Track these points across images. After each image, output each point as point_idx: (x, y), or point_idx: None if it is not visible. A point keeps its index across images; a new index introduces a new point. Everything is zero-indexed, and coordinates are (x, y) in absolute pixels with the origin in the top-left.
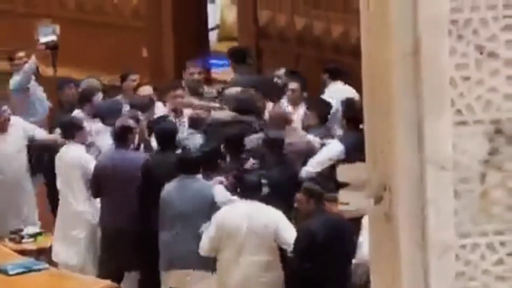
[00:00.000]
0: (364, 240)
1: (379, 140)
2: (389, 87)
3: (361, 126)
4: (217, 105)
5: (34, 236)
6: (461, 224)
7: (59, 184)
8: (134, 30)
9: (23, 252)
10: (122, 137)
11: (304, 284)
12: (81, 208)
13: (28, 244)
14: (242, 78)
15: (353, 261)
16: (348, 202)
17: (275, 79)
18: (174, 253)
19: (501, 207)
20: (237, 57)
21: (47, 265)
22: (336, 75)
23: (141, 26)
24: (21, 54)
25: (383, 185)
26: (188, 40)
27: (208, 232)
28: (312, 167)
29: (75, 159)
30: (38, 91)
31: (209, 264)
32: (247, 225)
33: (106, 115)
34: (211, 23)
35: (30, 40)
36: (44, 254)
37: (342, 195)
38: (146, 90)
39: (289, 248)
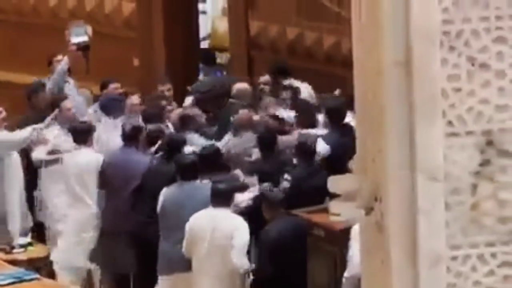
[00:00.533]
0: (353, 253)
1: (370, 149)
2: (380, 98)
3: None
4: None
5: (25, 246)
6: (452, 235)
7: (71, 188)
8: (125, 40)
9: (13, 263)
10: (131, 137)
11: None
12: (96, 210)
13: (19, 255)
14: (203, 80)
15: (345, 274)
16: (339, 213)
17: (261, 86)
18: (174, 257)
19: (492, 219)
20: (205, 59)
21: (38, 276)
22: (286, 72)
23: (132, 36)
24: (59, 57)
25: (374, 196)
26: (179, 50)
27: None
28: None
29: (91, 164)
30: (73, 92)
31: None
32: (211, 233)
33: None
34: (202, 33)
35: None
36: (34, 264)
37: (333, 205)
38: (134, 99)
39: (234, 258)
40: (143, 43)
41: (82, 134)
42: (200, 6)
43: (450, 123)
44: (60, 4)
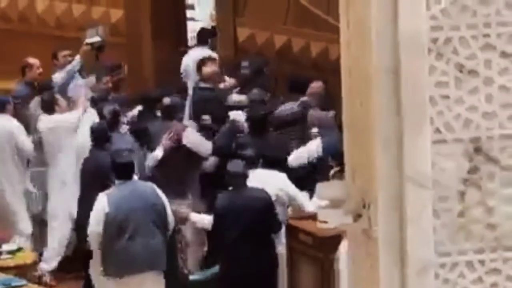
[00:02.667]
0: (343, 269)
1: (358, 156)
2: (368, 104)
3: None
4: None
5: (13, 252)
6: (440, 242)
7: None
8: (114, 46)
9: (1, 269)
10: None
11: (224, 259)
12: None
13: (7, 261)
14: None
15: None
16: (327, 220)
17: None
18: (128, 258)
19: (480, 226)
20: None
21: (25, 282)
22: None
23: (120, 42)
24: (65, 52)
25: (362, 202)
26: (168, 56)
27: None
28: (290, 160)
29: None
30: (81, 89)
31: (160, 264)
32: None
33: None
34: (191, 39)
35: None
36: (22, 270)
37: (321, 213)
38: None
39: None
40: (131, 49)
41: (102, 136)
42: (189, 13)
43: (438, 130)
44: (48, 11)
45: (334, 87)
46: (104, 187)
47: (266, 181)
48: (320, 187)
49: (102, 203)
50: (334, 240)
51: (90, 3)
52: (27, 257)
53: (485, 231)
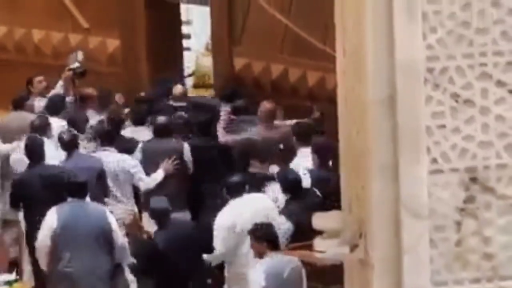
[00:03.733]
0: None
1: (354, 185)
2: (364, 134)
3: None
4: None
5: (10, 283)
6: (436, 271)
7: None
8: (110, 75)
9: None
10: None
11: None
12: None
13: None
14: None
15: None
16: (324, 250)
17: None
18: (72, 281)
19: (477, 256)
20: None
21: None
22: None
23: (117, 72)
24: (39, 78)
25: (359, 232)
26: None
27: None
28: None
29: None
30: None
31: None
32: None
33: None
34: (187, 69)
35: None
36: None
37: (318, 243)
38: None
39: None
40: (128, 78)
41: (109, 136)
42: (185, 43)
43: (434, 160)
44: (44, 41)
45: (331, 117)
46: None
47: (252, 206)
48: (316, 217)
49: (52, 216)
50: (331, 271)
51: (86, 33)
52: (24, 287)
53: (481, 261)
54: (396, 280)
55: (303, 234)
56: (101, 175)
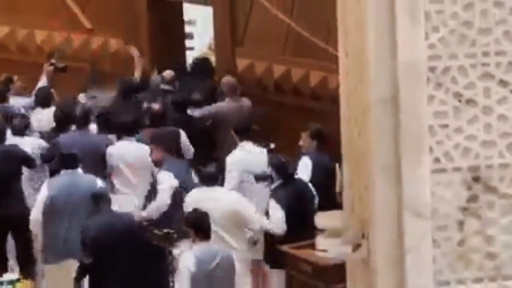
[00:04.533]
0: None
1: (356, 186)
2: (366, 134)
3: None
4: None
5: (13, 283)
6: (439, 271)
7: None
8: (113, 74)
9: None
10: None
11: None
12: None
13: None
14: None
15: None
16: (326, 249)
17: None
18: (67, 244)
19: (479, 255)
20: None
21: None
22: None
23: (120, 71)
24: (16, 76)
25: (361, 232)
26: None
27: None
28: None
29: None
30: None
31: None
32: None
33: None
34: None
35: None
36: None
37: (320, 241)
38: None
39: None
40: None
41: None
42: (187, 42)
43: (437, 159)
44: (47, 41)
45: (333, 117)
46: None
47: (220, 198)
48: (319, 216)
49: (43, 189)
50: (333, 270)
51: (89, 33)
52: (27, 287)
53: (484, 260)
54: (398, 279)
55: (294, 220)
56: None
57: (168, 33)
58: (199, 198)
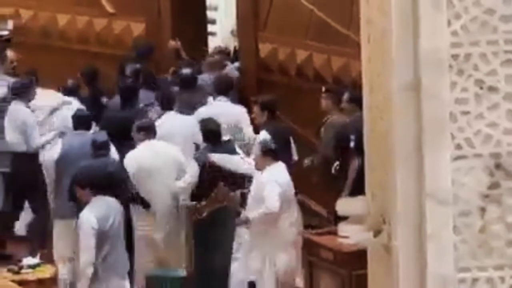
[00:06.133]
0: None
1: (378, 172)
2: (389, 121)
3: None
4: None
5: (34, 267)
6: (460, 258)
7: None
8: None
9: (22, 283)
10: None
11: None
12: None
13: (28, 275)
14: None
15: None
16: (348, 235)
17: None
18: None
19: (500, 242)
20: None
21: None
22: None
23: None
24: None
25: (383, 218)
26: None
27: None
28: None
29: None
30: None
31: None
32: None
33: None
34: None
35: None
36: (42, 284)
37: (342, 228)
38: None
39: None
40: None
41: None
42: (210, 27)
43: (458, 146)
44: (69, 25)
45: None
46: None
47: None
48: (341, 203)
49: (56, 148)
50: (355, 256)
51: (111, 17)
52: (48, 271)
53: (505, 248)
54: (420, 266)
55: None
56: None
57: (191, 18)
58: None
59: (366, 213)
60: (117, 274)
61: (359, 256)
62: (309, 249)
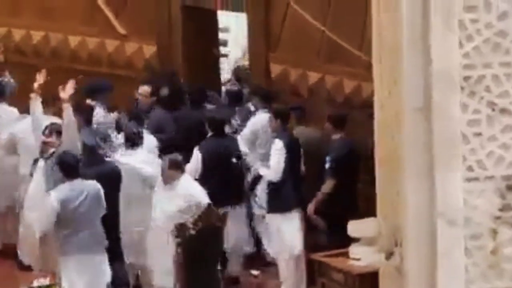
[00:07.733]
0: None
1: (389, 192)
2: (400, 141)
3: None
4: None
5: None
6: (471, 280)
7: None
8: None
9: None
10: None
11: None
12: None
13: None
14: None
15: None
16: (360, 257)
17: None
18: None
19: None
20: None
21: None
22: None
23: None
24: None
25: (394, 240)
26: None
27: None
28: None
29: None
30: None
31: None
32: None
33: None
34: (224, 76)
35: None
36: None
37: (353, 249)
38: None
39: None
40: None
41: None
42: (221, 49)
43: (470, 167)
44: (81, 46)
45: (366, 125)
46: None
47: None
48: (352, 224)
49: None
50: (366, 278)
51: (123, 39)
52: None
53: None
54: None
55: None
56: None
57: (202, 40)
58: None
59: (378, 234)
60: (90, 252)
61: (370, 278)
62: (320, 270)
